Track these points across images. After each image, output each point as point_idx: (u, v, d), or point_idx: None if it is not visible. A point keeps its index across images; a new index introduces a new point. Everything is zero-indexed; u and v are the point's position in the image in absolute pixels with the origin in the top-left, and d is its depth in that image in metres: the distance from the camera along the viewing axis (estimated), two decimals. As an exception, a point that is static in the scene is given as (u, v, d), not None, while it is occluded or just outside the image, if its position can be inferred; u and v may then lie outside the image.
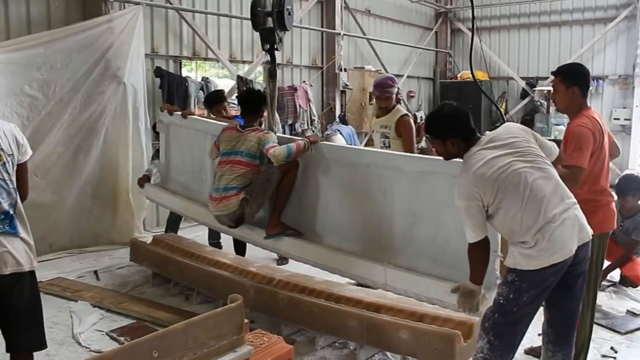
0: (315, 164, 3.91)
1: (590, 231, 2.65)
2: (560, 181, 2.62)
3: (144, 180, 5.31)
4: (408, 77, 11.87)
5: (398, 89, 4.54)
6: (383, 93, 4.47)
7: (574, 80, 3.17)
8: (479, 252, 2.59)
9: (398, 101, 4.56)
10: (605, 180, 3.22)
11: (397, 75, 11.56)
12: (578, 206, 2.63)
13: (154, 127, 5.55)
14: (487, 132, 2.72)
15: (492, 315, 2.58)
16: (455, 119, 2.67)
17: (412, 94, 12.22)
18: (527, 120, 11.07)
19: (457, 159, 2.73)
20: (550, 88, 3.61)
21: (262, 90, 4.73)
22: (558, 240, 2.49)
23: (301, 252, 3.85)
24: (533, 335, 3.46)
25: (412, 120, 4.50)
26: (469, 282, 2.66)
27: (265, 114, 4.29)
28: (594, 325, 4.10)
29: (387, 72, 11.02)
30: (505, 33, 12.25)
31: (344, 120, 9.54)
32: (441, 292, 2.97)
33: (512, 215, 2.50)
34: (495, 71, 12.23)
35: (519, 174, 2.50)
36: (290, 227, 3.92)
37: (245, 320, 2.97)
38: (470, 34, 12.33)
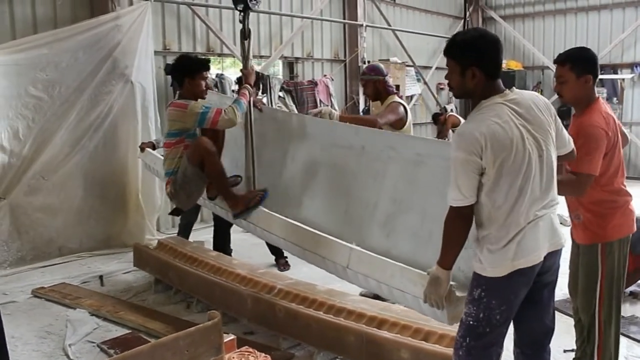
0: (310, 140, 3.67)
1: (564, 238, 2.29)
2: (555, 181, 2.25)
3: (147, 145, 5.03)
4: (437, 68, 11.39)
5: (385, 77, 4.33)
6: (360, 80, 4.42)
7: (586, 68, 2.75)
8: (459, 222, 2.15)
9: (387, 91, 4.33)
10: (622, 179, 2.81)
11: (426, 67, 11.16)
12: (556, 209, 2.27)
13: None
14: (515, 88, 2.26)
15: (463, 340, 2.21)
16: (486, 43, 2.17)
17: (442, 86, 11.75)
18: (564, 111, 10.43)
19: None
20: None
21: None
22: (528, 243, 2.13)
23: (268, 226, 3.53)
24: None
25: (402, 108, 4.26)
26: (435, 267, 2.24)
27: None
28: (631, 341, 3.70)
29: (414, 64, 10.64)
30: (540, 20, 11.64)
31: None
32: (405, 280, 2.59)
33: (497, 200, 2.11)
34: (529, 60, 11.66)
35: (524, 157, 2.10)
36: (250, 196, 3.67)
37: (231, 337, 2.73)
38: (503, 22, 11.81)
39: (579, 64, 2.76)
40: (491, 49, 2.18)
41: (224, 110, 3.51)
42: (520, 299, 2.21)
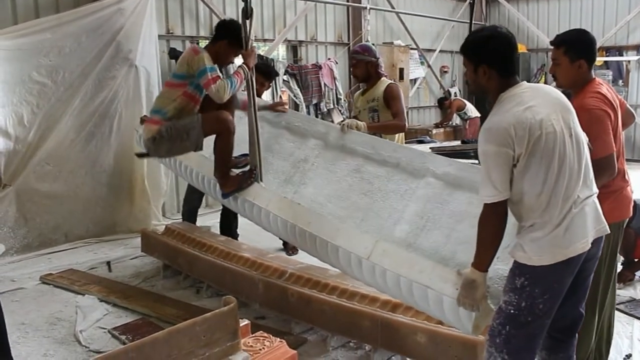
0: (340, 149, 3.55)
1: (606, 224, 2.24)
2: (589, 162, 2.21)
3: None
4: (441, 51, 11.32)
5: (377, 60, 4.17)
6: (350, 60, 4.21)
7: (580, 52, 2.68)
8: (495, 220, 2.08)
9: (378, 74, 4.17)
10: (620, 164, 2.74)
11: (429, 50, 11.08)
12: (596, 193, 2.24)
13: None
14: (525, 81, 2.27)
15: (502, 328, 2.14)
16: (496, 43, 2.18)
17: (445, 69, 11.68)
18: (568, 94, 10.30)
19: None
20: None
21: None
22: (577, 230, 2.09)
23: (280, 211, 3.30)
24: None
25: (400, 88, 4.18)
26: (469, 269, 2.17)
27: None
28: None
29: (417, 47, 10.55)
30: (544, 1, 11.52)
31: (372, 99, 9.14)
32: (435, 277, 2.44)
33: (535, 187, 2.06)
34: (533, 43, 11.57)
35: (555, 138, 2.06)
36: (243, 178, 3.52)
37: (246, 322, 2.71)
38: (507, 4, 11.68)
39: (573, 48, 2.70)
40: (502, 48, 2.19)
41: (218, 83, 3.39)
42: (565, 288, 2.16)
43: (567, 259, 2.08)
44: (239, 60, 3.75)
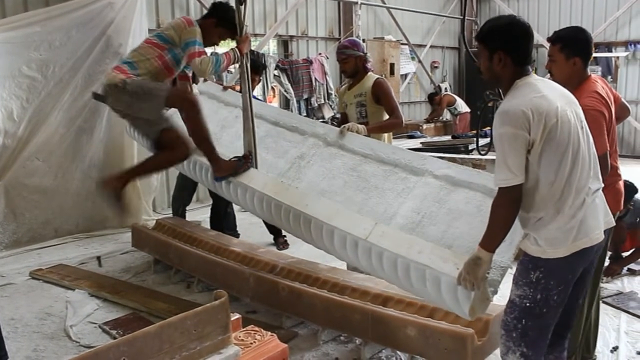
0: (338, 148, 3.54)
1: (612, 217, 2.28)
2: (596, 155, 2.24)
3: None
4: (431, 46, 11.35)
5: (365, 55, 4.09)
6: (338, 55, 4.12)
7: (575, 50, 2.72)
8: (509, 204, 2.07)
9: (365, 69, 4.07)
10: (613, 160, 2.79)
11: (420, 45, 11.10)
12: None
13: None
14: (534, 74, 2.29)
15: (518, 322, 2.17)
16: (514, 30, 2.19)
17: (436, 65, 11.71)
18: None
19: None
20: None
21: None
22: (591, 221, 2.11)
23: (277, 194, 3.28)
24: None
25: (389, 83, 4.13)
26: (477, 249, 2.16)
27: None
28: (631, 317, 3.74)
29: (408, 42, 10.57)
30: (534, -3, 11.61)
31: (363, 94, 9.15)
32: (435, 257, 2.45)
33: (549, 176, 2.07)
34: (524, 38, 11.62)
35: (570, 128, 2.08)
36: (238, 162, 3.51)
37: (237, 316, 2.72)
38: (498, 0, 11.73)
39: (568, 45, 2.74)
40: (519, 36, 2.20)
41: (203, 57, 3.35)
42: (576, 278, 2.19)
43: (581, 250, 2.11)
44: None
